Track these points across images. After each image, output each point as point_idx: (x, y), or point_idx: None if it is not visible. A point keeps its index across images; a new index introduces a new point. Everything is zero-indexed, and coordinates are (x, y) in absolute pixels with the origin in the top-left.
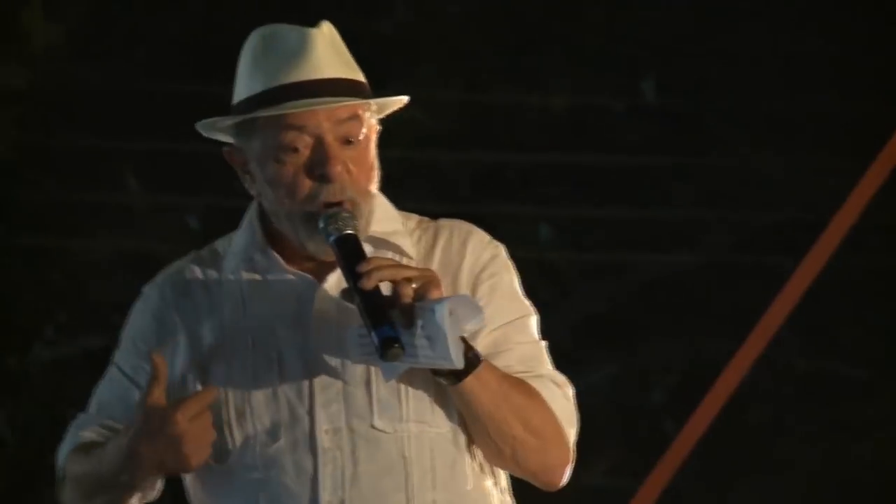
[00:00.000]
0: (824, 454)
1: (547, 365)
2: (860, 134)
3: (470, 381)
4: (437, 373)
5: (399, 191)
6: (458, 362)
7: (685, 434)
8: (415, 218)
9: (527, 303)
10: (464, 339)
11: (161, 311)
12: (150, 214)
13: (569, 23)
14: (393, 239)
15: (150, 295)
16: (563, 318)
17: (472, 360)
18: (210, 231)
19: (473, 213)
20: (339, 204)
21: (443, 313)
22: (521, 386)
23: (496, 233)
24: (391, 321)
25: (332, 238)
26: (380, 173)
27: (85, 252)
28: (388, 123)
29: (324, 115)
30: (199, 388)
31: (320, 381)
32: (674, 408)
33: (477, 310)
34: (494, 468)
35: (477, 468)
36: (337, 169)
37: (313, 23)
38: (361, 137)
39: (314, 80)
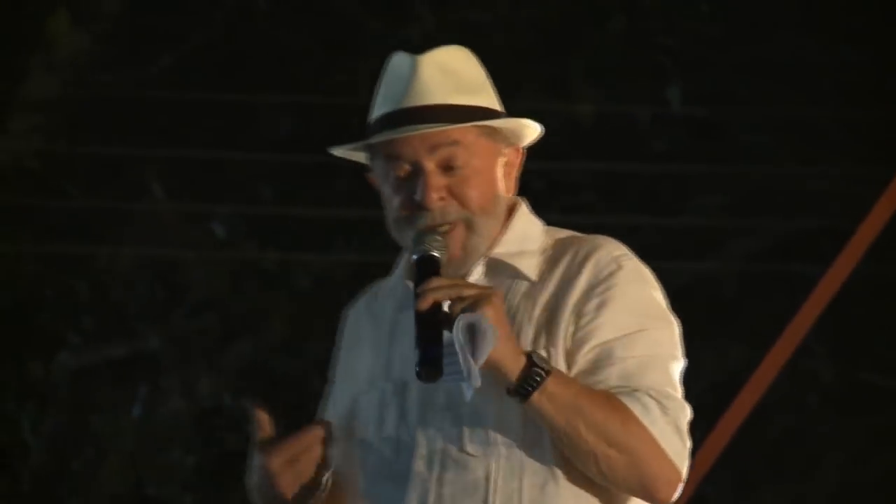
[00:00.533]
0: (849, 463)
1: (652, 379)
2: (887, 142)
3: (537, 398)
4: (508, 391)
5: None
6: (473, 380)
7: (711, 442)
8: (562, 234)
9: (652, 317)
10: (530, 355)
11: (348, 334)
12: (175, 222)
13: (595, 31)
14: (513, 260)
15: (345, 315)
16: None
17: (533, 375)
18: (234, 238)
19: None
20: (447, 225)
21: (456, 329)
22: (602, 401)
23: None
24: (436, 341)
25: (414, 257)
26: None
27: (110, 260)
28: None
29: (419, 142)
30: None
31: (424, 406)
32: (700, 415)
33: (488, 330)
34: (613, 492)
35: (579, 489)
36: (432, 197)
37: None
38: (463, 163)
39: (410, 109)
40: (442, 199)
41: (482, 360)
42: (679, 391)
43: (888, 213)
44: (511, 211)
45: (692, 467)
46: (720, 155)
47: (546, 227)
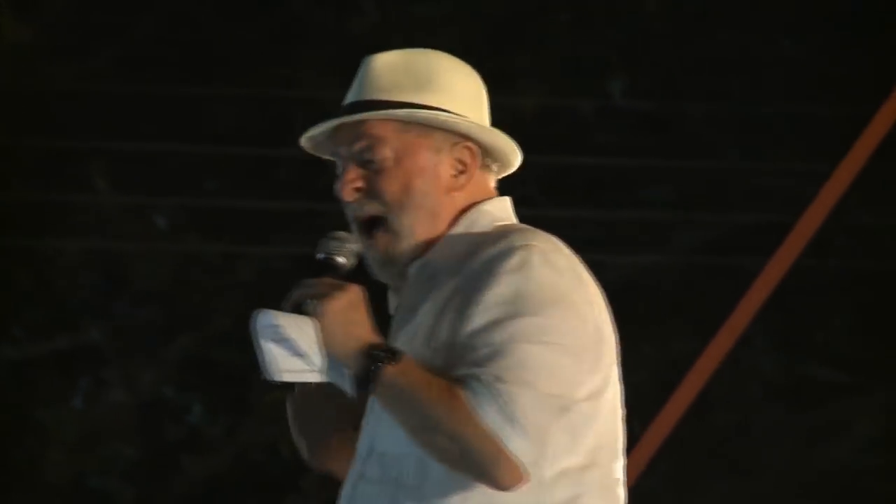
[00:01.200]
0: (790, 456)
1: (498, 366)
2: (827, 136)
3: (376, 389)
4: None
5: None
6: (268, 373)
7: (651, 434)
8: (503, 230)
9: (526, 304)
10: (370, 348)
11: None
12: (119, 215)
13: (538, 24)
14: (438, 262)
15: None
16: None
17: (368, 368)
18: (178, 231)
19: None
20: (364, 221)
21: (253, 328)
22: (437, 391)
23: None
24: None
25: (318, 257)
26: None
27: (53, 252)
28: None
29: (340, 137)
30: None
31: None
32: (640, 408)
33: (298, 327)
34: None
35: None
36: (345, 189)
37: (283, 29)
38: (380, 155)
39: (343, 107)
40: (357, 190)
41: (278, 354)
42: (534, 375)
43: (828, 206)
44: (465, 212)
45: (632, 459)
46: (664, 148)
47: (503, 226)
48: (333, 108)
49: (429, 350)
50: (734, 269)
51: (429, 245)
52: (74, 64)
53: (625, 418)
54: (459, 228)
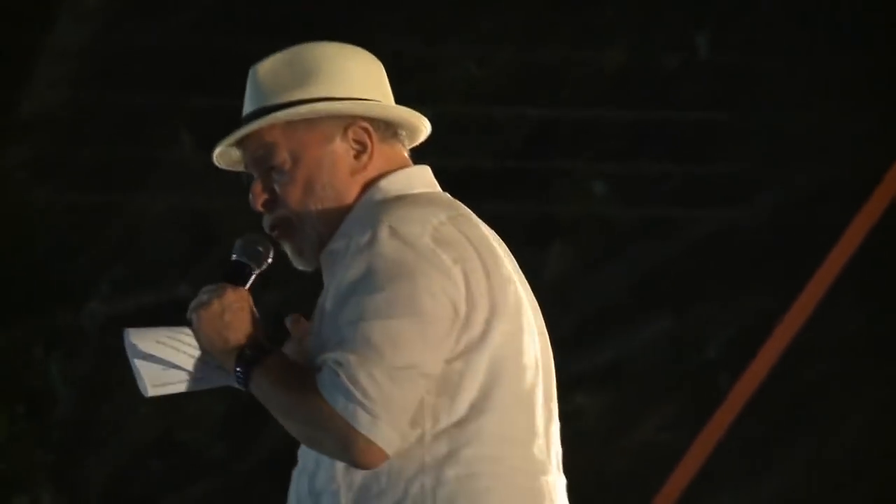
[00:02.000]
0: (874, 412)
1: (341, 346)
2: None
3: (251, 391)
4: None
5: (452, 147)
6: (143, 389)
7: (739, 390)
8: (380, 208)
9: (369, 282)
10: (241, 351)
11: None
12: (204, 171)
13: None
14: (333, 252)
15: None
16: (617, 275)
17: (237, 370)
18: None
19: (527, 168)
20: (273, 229)
21: (125, 339)
22: (295, 383)
23: (550, 189)
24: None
25: (231, 258)
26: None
27: (140, 209)
28: (442, 78)
29: (244, 154)
30: None
31: None
32: (728, 364)
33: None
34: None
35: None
36: (258, 203)
37: None
38: (278, 160)
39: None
40: (268, 201)
41: (146, 368)
42: (377, 351)
43: None
44: (365, 191)
45: (720, 415)
46: (748, 103)
47: (385, 202)
48: (411, 64)
49: (317, 338)
50: (820, 224)
51: (336, 230)
52: (161, 19)
53: (544, 367)
54: (355, 210)
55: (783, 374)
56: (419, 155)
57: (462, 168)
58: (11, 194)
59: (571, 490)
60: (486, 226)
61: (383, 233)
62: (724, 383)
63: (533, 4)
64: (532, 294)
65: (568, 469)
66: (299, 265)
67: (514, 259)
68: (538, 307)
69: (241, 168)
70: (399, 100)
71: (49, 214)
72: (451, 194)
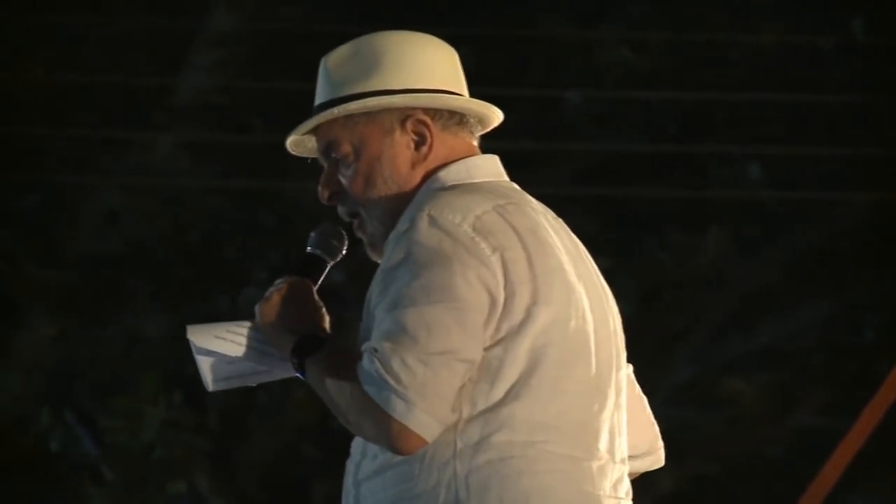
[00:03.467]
0: None
1: (377, 334)
2: None
3: (307, 380)
4: None
5: (607, 131)
6: (205, 383)
7: None
8: (430, 197)
9: (406, 270)
10: (298, 343)
11: None
12: None
13: None
14: (385, 247)
15: None
16: (773, 258)
17: (292, 360)
18: None
19: (682, 153)
20: (351, 218)
21: (189, 337)
22: (340, 371)
23: (704, 172)
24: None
25: (306, 251)
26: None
27: (296, 194)
28: (597, 62)
29: (316, 144)
30: None
31: None
32: (886, 347)
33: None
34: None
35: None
36: (324, 195)
37: None
38: (342, 153)
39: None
40: (331, 194)
41: (209, 364)
42: (411, 338)
43: None
44: (425, 181)
45: (879, 398)
46: None
47: (439, 191)
48: (566, 49)
49: (364, 325)
50: None
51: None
52: (314, 5)
53: (605, 356)
54: (413, 201)
55: None
56: (576, 141)
57: (617, 153)
58: (169, 180)
59: (729, 472)
60: (543, 214)
61: (422, 221)
62: (882, 367)
63: None
64: (601, 283)
65: (723, 452)
66: (372, 255)
67: (578, 244)
68: (608, 295)
69: (316, 155)
70: (554, 84)
71: (207, 200)
72: (604, 178)
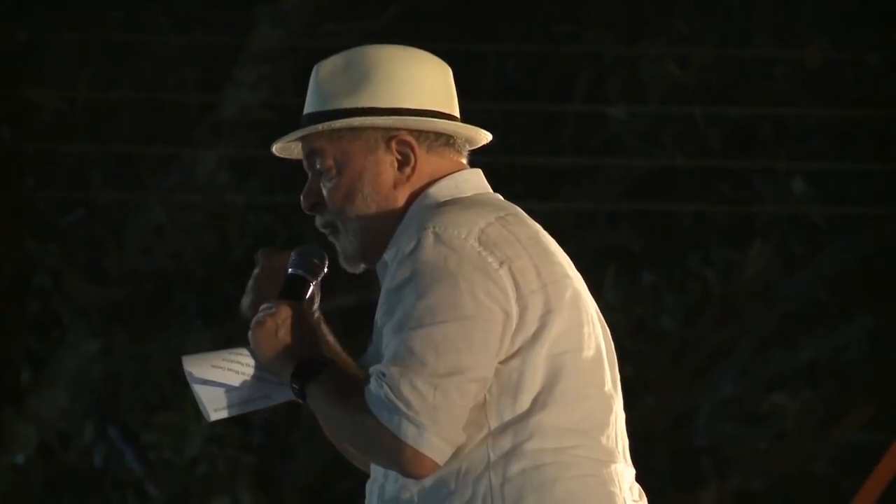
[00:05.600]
0: None
1: (386, 357)
2: None
3: (308, 405)
4: None
5: (651, 146)
6: (205, 414)
7: None
8: (427, 214)
9: (410, 291)
10: (297, 368)
11: None
12: None
13: None
14: (381, 268)
15: None
16: (817, 273)
17: (293, 384)
18: None
19: (726, 167)
20: (324, 228)
21: (186, 368)
22: (345, 396)
23: (749, 187)
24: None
25: (288, 272)
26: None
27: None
28: (641, 78)
29: (301, 151)
30: None
31: None
32: None
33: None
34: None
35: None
36: (304, 204)
37: None
38: (324, 166)
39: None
40: (315, 203)
41: (207, 393)
42: (419, 360)
43: None
44: (414, 200)
45: None
46: None
47: (433, 208)
48: (611, 64)
49: (372, 348)
50: None
51: (388, 241)
52: (358, 22)
53: (609, 359)
54: (406, 219)
55: None
56: (621, 156)
57: (662, 167)
58: (214, 195)
59: (773, 488)
60: (537, 224)
61: (427, 239)
62: None
63: (731, 4)
64: (586, 288)
65: (768, 468)
66: (345, 266)
67: (566, 255)
68: (593, 301)
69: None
70: (597, 99)
71: (251, 216)
72: (649, 193)
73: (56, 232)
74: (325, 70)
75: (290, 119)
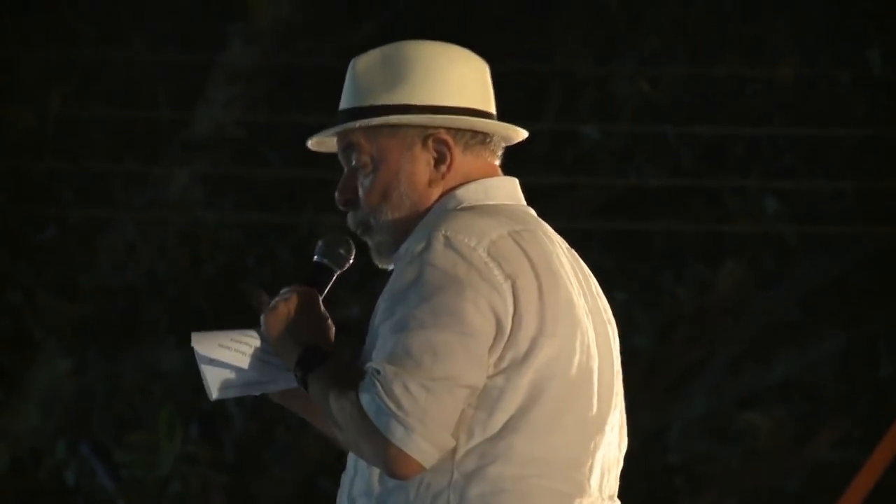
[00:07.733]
0: None
1: (380, 355)
2: None
3: (308, 392)
4: None
5: (624, 164)
6: (208, 392)
7: None
8: (443, 217)
9: (415, 293)
10: (302, 355)
11: None
12: None
13: None
14: (396, 262)
15: None
16: (789, 291)
17: (295, 372)
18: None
19: (698, 186)
20: (356, 227)
21: (194, 345)
22: (340, 389)
23: (721, 205)
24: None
25: (313, 259)
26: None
27: (312, 228)
28: (614, 96)
29: (336, 143)
30: None
31: None
32: None
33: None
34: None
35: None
36: (339, 200)
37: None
38: (360, 162)
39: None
40: (346, 200)
41: (213, 373)
42: (415, 361)
43: None
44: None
45: (893, 431)
46: None
47: (453, 211)
48: (584, 82)
49: (369, 341)
50: None
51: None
52: (332, 39)
53: (606, 392)
54: (426, 218)
55: None
56: (593, 175)
57: (634, 186)
58: (186, 212)
59: None
60: (558, 244)
61: (438, 242)
62: None
63: (703, 22)
64: (608, 315)
65: (740, 485)
66: (378, 263)
67: (589, 276)
68: (615, 333)
69: (336, 151)
70: (569, 117)
71: (223, 233)
72: (621, 212)
73: (28, 249)
74: (363, 65)
75: (262, 136)
